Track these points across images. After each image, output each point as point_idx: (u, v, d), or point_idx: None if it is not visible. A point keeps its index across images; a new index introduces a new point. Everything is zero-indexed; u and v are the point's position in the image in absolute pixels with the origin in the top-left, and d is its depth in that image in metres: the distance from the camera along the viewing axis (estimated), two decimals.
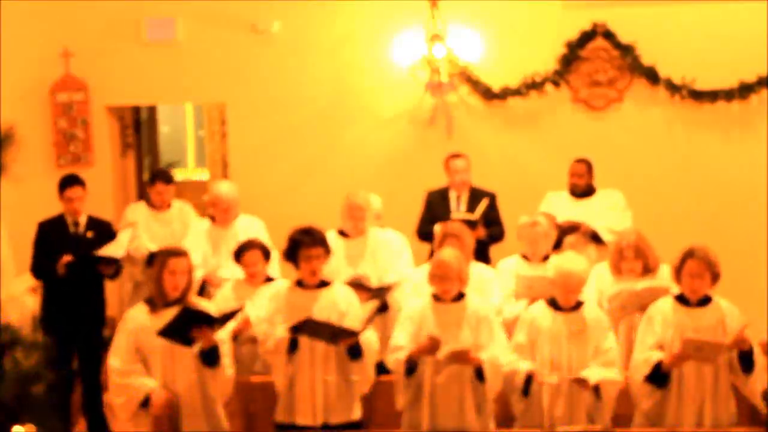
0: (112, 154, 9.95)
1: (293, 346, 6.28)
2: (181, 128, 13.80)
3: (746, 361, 6.06)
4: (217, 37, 9.63)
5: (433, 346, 6.11)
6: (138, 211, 8.36)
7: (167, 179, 8.40)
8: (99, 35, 9.65)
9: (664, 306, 6.28)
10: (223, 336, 6.21)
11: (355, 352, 6.29)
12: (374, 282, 7.51)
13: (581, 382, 6.13)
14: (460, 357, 6.11)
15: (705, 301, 6.24)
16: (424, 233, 8.13)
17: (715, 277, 6.18)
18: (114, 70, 9.67)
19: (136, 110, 10.48)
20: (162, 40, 9.63)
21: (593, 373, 6.14)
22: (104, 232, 7.68)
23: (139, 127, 10.56)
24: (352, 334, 6.22)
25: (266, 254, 7.17)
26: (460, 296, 6.38)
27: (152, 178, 8.45)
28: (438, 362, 6.14)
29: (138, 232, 7.96)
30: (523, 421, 6.29)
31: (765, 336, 6.07)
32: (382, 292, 7.47)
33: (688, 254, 6.19)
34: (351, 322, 6.30)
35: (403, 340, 6.32)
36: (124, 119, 10.21)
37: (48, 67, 9.63)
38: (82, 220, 7.66)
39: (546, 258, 7.27)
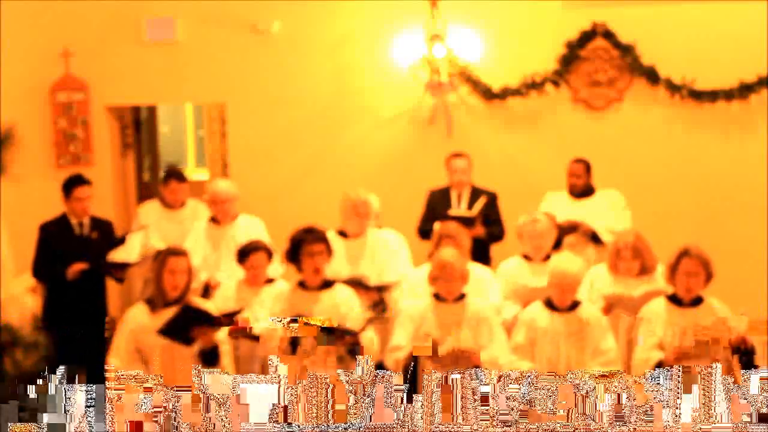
0: (112, 154, 9.95)
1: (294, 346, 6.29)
2: (181, 128, 13.76)
3: (747, 360, 6.07)
4: (217, 37, 9.63)
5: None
6: (151, 210, 8.35)
7: (181, 178, 8.43)
8: (99, 35, 9.65)
9: (658, 307, 6.29)
10: (222, 336, 6.21)
11: (354, 353, 6.28)
12: (373, 282, 7.50)
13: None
14: (461, 358, 6.10)
15: (697, 301, 6.26)
16: (425, 231, 8.13)
17: (708, 276, 6.22)
18: (114, 70, 9.67)
19: (136, 110, 10.48)
20: (162, 40, 9.64)
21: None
22: (107, 232, 7.65)
23: (139, 127, 10.56)
24: (351, 334, 6.21)
25: (269, 256, 7.16)
26: (461, 296, 6.38)
27: (166, 176, 8.47)
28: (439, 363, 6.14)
29: (149, 235, 7.90)
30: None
31: (765, 336, 6.08)
32: (383, 292, 7.46)
33: (684, 253, 6.23)
34: (351, 323, 6.30)
35: (402, 339, 6.32)
36: (123, 119, 10.20)
37: (48, 67, 9.62)
38: (86, 221, 7.57)
39: (548, 257, 7.25)
